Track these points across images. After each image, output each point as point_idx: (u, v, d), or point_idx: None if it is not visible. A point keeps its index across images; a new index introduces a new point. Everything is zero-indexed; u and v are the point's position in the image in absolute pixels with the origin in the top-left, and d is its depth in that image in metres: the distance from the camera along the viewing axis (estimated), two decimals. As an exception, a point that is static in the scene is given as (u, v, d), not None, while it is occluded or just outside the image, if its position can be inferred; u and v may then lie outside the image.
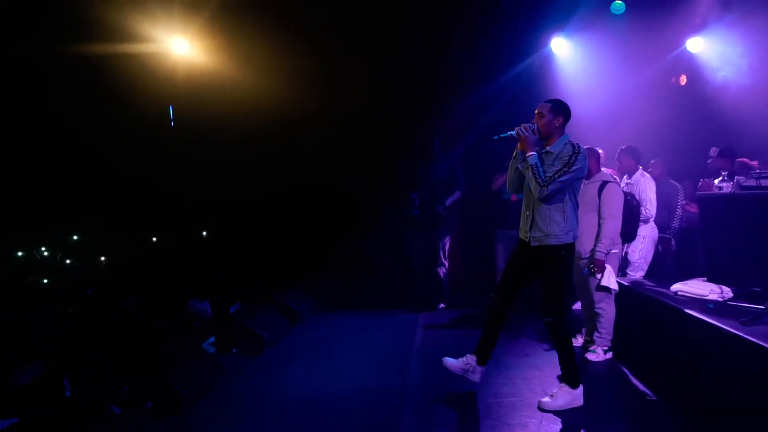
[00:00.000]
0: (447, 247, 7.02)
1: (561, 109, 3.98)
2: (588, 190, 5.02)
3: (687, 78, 7.74)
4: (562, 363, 4.06)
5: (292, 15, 7.38)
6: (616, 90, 7.51)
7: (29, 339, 4.32)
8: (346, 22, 7.34)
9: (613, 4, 7.51)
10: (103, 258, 7.49)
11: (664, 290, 4.93)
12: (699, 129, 7.16)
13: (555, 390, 4.08)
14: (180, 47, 7.76)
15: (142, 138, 7.86)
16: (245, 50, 7.53)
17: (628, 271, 6.19)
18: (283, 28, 7.37)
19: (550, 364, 4.87)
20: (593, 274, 4.95)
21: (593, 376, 4.76)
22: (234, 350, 5.04)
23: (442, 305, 7.03)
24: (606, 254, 4.91)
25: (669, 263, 6.70)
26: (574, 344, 5.39)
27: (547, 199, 3.88)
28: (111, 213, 7.59)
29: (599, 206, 4.97)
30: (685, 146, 7.12)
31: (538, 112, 4.01)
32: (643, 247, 6.14)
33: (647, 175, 6.13)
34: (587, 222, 4.95)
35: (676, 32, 7.49)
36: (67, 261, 7.10)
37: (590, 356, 5.08)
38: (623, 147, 6.20)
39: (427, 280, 7.03)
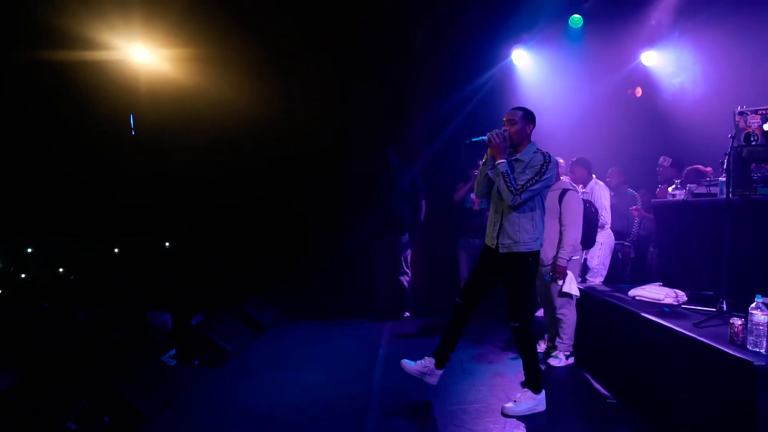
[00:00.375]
0: (409, 256, 7.06)
1: (531, 117, 4.07)
2: (548, 198, 5.12)
3: (642, 90, 8.00)
4: (526, 368, 4.11)
5: (255, 23, 7.34)
6: (575, 101, 7.70)
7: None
8: (310, 32, 7.34)
9: (571, 18, 7.71)
10: (60, 269, 7.28)
11: (622, 295, 5.04)
12: (654, 139, 7.40)
13: (518, 395, 4.13)
14: (140, 55, 7.65)
15: (103, 146, 7.70)
16: (207, 59, 7.46)
17: (588, 277, 6.33)
18: (246, 36, 7.32)
19: (513, 370, 4.93)
20: (555, 281, 5.04)
21: (556, 381, 4.83)
22: (196, 362, 4.93)
23: (407, 314, 7.05)
24: (568, 261, 5.00)
25: (628, 270, 6.88)
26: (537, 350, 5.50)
27: (518, 207, 3.93)
28: (69, 222, 7.41)
29: (560, 214, 5.07)
30: (642, 155, 7.34)
31: (510, 119, 4.05)
32: (601, 254, 6.29)
33: (601, 183, 6.31)
34: (548, 229, 5.04)
35: (632, 45, 7.75)
36: (23, 275, 6.89)
37: (553, 362, 5.16)
38: (574, 159, 6.36)
39: (391, 289, 7.04)
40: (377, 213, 6.85)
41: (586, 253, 6.13)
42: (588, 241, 5.34)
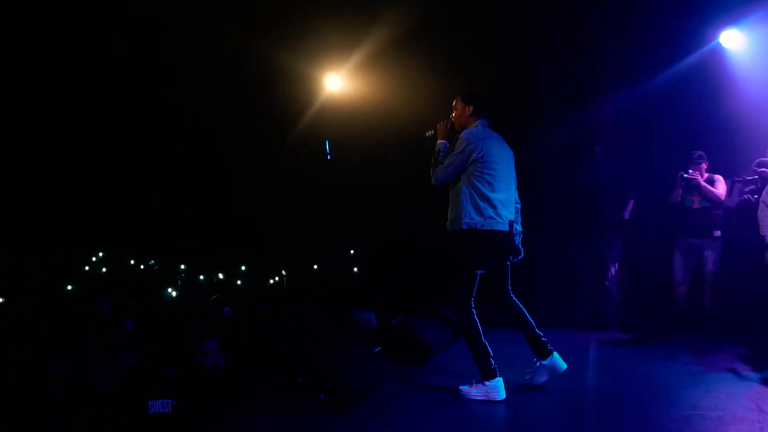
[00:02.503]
0: (618, 261, 6.45)
1: (470, 99, 4.06)
2: None
3: None
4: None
5: (438, 43, 7.49)
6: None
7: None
8: (492, 32, 7.24)
9: (796, -14, 6.65)
10: (271, 281, 8.15)
11: None
12: None
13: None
14: (333, 84, 8.28)
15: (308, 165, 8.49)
16: (393, 84, 7.80)
17: None
18: (429, 56, 7.48)
19: (756, 379, 4.32)
20: None
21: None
22: (399, 359, 4.96)
23: (615, 323, 6.40)
24: None
25: None
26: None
27: (442, 185, 4.04)
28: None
29: None
30: None
31: (453, 107, 4.12)
32: None
33: None
34: None
35: None
36: (238, 282, 7.90)
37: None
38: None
39: (597, 296, 6.48)
40: (575, 211, 6.40)
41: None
42: None
